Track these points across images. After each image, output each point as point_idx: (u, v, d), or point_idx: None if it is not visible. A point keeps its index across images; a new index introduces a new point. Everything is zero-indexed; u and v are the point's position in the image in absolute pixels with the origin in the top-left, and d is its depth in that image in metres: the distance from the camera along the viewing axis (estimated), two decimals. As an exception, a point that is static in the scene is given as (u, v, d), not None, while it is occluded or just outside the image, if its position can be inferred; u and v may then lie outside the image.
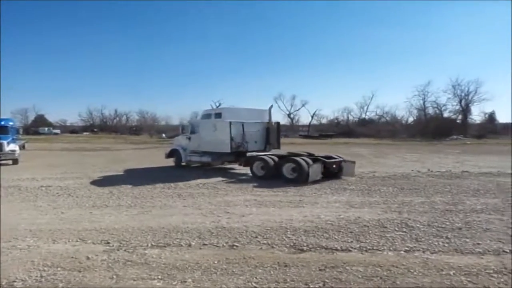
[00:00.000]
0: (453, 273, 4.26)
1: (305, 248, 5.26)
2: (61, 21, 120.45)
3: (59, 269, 4.47)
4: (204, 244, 5.45)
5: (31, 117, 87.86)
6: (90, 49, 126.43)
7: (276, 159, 12.52)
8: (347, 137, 56.47)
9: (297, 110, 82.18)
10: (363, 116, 77.84)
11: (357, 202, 8.53)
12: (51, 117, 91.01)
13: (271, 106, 15.82)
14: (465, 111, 64.90)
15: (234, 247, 5.34)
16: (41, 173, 14.27)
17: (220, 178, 12.56)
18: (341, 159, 12.69)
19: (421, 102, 67.50)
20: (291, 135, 60.30)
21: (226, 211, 7.64)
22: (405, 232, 6.03)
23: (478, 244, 5.37)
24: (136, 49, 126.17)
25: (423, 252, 5.05)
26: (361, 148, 30.78)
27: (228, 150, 13.94)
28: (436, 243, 5.41)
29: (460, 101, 64.73)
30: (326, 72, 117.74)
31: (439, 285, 3.96)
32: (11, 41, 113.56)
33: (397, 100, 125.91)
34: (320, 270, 4.39)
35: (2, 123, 20.45)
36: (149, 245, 5.42)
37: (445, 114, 65.99)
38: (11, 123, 21.86)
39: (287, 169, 11.87)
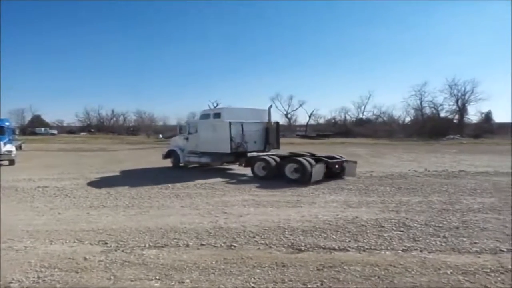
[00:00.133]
0: (450, 272, 4.27)
1: (303, 248, 5.26)
2: (58, 21, 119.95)
3: (56, 270, 4.46)
4: (202, 245, 5.45)
5: (28, 117, 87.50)
6: (87, 49, 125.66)
7: (277, 159, 12.44)
8: (344, 137, 56.58)
9: (295, 110, 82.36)
10: (360, 116, 78.12)
11: (355, 201, 8.54)
12: (48, 118, 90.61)
13: (271, 106, 15.79)
14: (462, 111, 65.19)
15: (232, 247, 5.34)
16: (38, 173, 14.20)
17: (219, 179, 12.52)
18: (343, 159, 12.67)
19: (418, 102, 67.77)
20: (289, 135, 60.30)
21: (224, 211, 7.63)
22: (402, 231, 6.05)
23: (475, 243, 5.39)
24: (133, 49, 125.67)
25: (421, 251, 5.07)
26: (358, 148, 30.85)
27: (228, 151, 13.82)
28: (433, 243, 5.44)
29: (457, 101, 65.06)
30: (323, 72, 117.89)
31: (437, 284, 3.97)
32: (8, 41, 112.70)
33: (394, 100, 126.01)
34: (318, 270, 4.40)
35: None
36: (147, 245, 5.41)
37: (442, 114, 66.29)
38: (7, 124, 21.77)
39: (289, 169, 11.79)
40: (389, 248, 5.23)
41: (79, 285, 4.04)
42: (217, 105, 62.34)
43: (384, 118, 72.65)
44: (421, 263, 4.58)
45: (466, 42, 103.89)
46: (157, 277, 4.21)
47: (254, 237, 5.79)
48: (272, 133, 14.97)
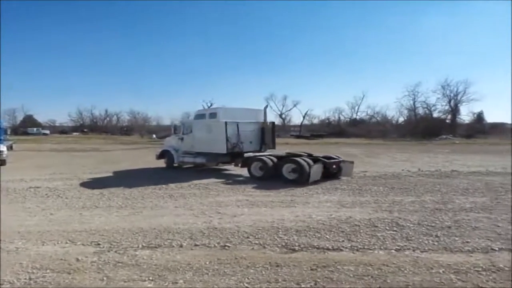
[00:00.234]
0: (443, 271, 4.31)
1: (296, 248, 5.27)
2: (50, 19, 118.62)
3: (48, 271, 4.42)
4: (196, 245, 5.43)
5: (20, 117, 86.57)
6: (80, 47, 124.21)
7: (274, 159, 12.38)
8: (338, 137, 56.75)
9: (289, 110, 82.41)
10: (354, 116, 78.41)
11: (348, 201, 8.58)
12: (40, 117, 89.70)
13: (266, 106, 15.77)
14: (454, 111, 65.76)
15: (226, 247, 5.33)
16: (30, 174, 14.04)
17: (213, 179, 12.48)
18: (340, 159, 12.69)
19: (411, 102, 68.25)
20: (283, 135, 60.33)
21: (218, 212, 7.62)
22: (395, 231, 6.09)
23: (467, 242, 5.45)
24: (127, 48, 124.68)
25: (413, 250, 5.11)
26: (352, 148, 30.97)
27: (224, 151, 13.72)
28: (426, 242, 5.48)
29: (449, 101, 65.62)
30: (317, 72, 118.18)
31: (429, 284, 4.00)
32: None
33: (387, 100, 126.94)
34: (311, 269, 4.41)
35: None
36: (140, 246, 5.38)
37: (435, 114, 66.82)
38: (-1, 124, 21.50)
39: (287, 169, 11.74)
40: (382, 247, 5.26)
41: (71, 287, 4.01)
42: (211, 105, 62.15)
43: (378, 118, 73.14)
44: (414, 263, 4.61)
45: (459, 43, 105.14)
46: (151, 278, 4.19)
47: (248, 237, 5.79)
48: (268, 133, 14.92)
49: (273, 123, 16.17)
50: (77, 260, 4.78)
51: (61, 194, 9.81)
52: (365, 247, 5.29)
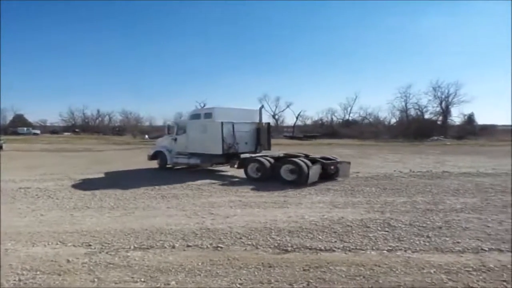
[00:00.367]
0: (434, 271, 4.35)
1: (289, 248, 5.28)
2: (48, 19, 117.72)
3: (38, 272, 4.37)
4: (188, 246, 5.41)
5: (10, 116, 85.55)
6: (75, 48, 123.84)
7: (272, 160, 12.28)
8: (331, 138, 56.93)
9: (282, 111, 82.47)
10: (347, 117, 78.67)
11: (341, 202, 8.61)
12: (31, 117, 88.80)
13: (262, 107, 15.64)
14: (445, 112, 66.37)
15: (219, 248, 5.32)
16: (20, 174, 13.87)
17: (207, 180, 12.41)
18: (337, 160, 12.68)
19: (403, 104, 68.67)
20: (276, 136, 60.11)
21: (211, 212, 7.60)
22: (387, 231, 6.13)
23: (458, 242, 5.50)
24: (125, 48, 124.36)
25: (405, 251, 5.15)
26: (345, 149, 31.10)
27: (220, 152, 13.56)
28: (417, 242, 5.52)
29: (441, 103, 66.15)
30: (310, 73, 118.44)
31: (420, 284, 4.04)
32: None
33: (380, 101, 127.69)
34: (304, 270, 4.42)
35: None
36: (132, 247, 5.35)
37: (426, 116, 67.26)
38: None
39: (285, 170, 11.63)
40: (374, 248, 5.29)
41: (61, 288, 3.96)
42: (204, 105, 61.89)
43: (370, 119, 73.46)
44: (405, 263, 4.65)
45: (450, 45, 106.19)
46: (142, 279, 4.16)
47: (240, 238, 5.79)
48: (263, 134, 14.79)
49: (269, 123, 15.98)
50: (68, 261, 4.74)
51: (52, 194, 9.71)
52: (357, 247, 5.31)
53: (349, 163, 13.07)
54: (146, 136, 58.25)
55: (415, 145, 39.62)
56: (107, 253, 5.09)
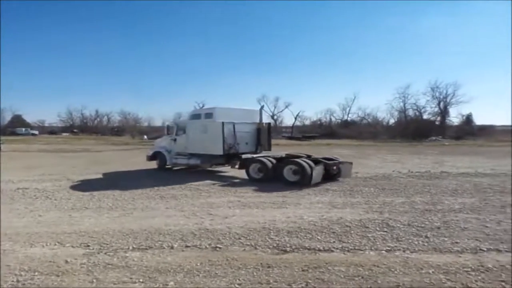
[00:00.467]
0: (432, 272, 4.36)
1: (288, 249, 5.28)
2: (47, 19, 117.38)
3: (36, 273, 4.36)
4: (187, 246, 5.41)
5: (8, 117, 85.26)
6: (75, 48, 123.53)
7: (274, 161, 12.21)
8: (329, 138, 56.91)
9: (281, 111, 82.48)
10: (345, 117, 78.69)
11: (339, 202, 8.62)
12: (29, 118, 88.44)
13: (262, 107, 15.56)
14: (444, 113, 66.50)
15: (217, 248, 5.31)
16: (18, 175, 13.82)
17: (207, 181, 12.38)
18: (339, 160, 12.65)
19: (402, 104, 68.80)
20: (275, 136, 59.92)
21: (209, 213, 7.60)
22: (386, 232, 6.14)
23: (456, 243, 5.51)
24: (125, 48, 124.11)
25: (404, 251, 5.15)
26: (344, 150, 31.12)
27: (221, 152, 13.44)
28: (416, 243, 5.53)
29: (439, 103, 66.29)
30: (309, 74, 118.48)
31: (419, 284, 4.04)
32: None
33: (378, 102, 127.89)
34: (303, 270, 4.42)
35: None
36: (130, 248, 5.34)
37: (425, 116, 67.35)
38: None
39: (287, 171, 11.55)
40: (373, 248, 5.29)
41: (60, 289, 3.95)
42: (203, 105, 61.87)
43: (369, 120, 73.55)
44: (404, 263, 4.66)
45: (450, 45, 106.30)
46: (141, 280, 4.15)
47: (239, 239, 5.79)
48: (264, 134, 14.69)
49: (269, 124, 15.83)
50: (66, 262, 4.73)
51: (50, 195, 9.69)
52: (356, 247, 5.32)
53: (351, 163, 13.02)
54: (145, 137, 58.11)
55: (414, 145, 39.66)
56: (105, 253, 5.08)
